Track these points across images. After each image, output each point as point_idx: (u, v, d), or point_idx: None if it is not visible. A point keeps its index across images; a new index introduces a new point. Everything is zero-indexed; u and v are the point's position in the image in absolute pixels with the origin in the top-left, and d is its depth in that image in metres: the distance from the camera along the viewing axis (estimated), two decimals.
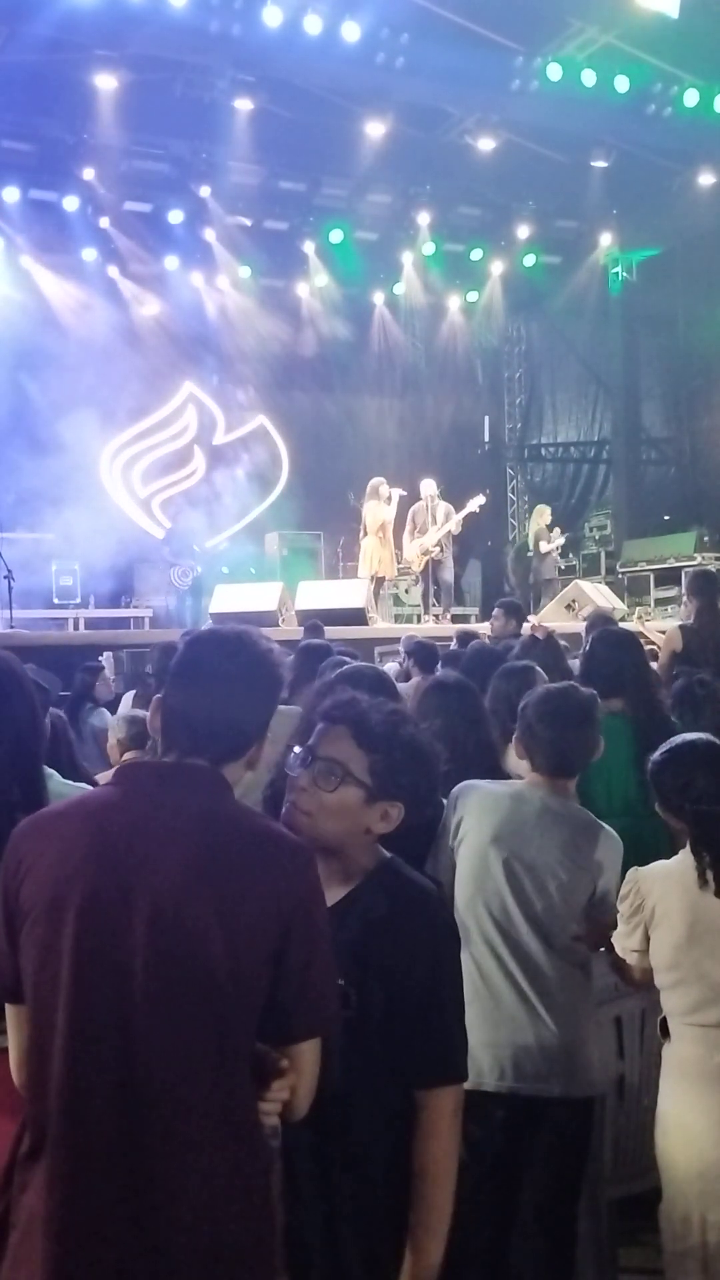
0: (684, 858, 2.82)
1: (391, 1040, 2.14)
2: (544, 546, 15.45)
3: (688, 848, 2.82)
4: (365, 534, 13.93)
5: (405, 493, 13.95)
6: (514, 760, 3.90)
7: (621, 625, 6.78)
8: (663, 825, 3.93)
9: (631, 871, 2.94)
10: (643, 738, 4.06)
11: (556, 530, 15.72)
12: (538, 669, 4.32)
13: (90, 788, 3.24)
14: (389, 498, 13.73)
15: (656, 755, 2.93)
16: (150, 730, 2.01)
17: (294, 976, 1.83)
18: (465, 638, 7.98)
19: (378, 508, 13.69)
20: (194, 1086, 1.75)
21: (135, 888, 1.77)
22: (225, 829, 1.85)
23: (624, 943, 2.90)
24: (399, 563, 14.22)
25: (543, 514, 15.85)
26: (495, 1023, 2.99)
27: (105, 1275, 1.71)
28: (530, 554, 15.95)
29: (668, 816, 2.91)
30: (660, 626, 9.28)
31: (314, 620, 9.15)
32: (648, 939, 2.84)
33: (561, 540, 15.74)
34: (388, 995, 2.14)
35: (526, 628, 7.83)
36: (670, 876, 2.81)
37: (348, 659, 5.17)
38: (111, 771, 1.98)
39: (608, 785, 4.07)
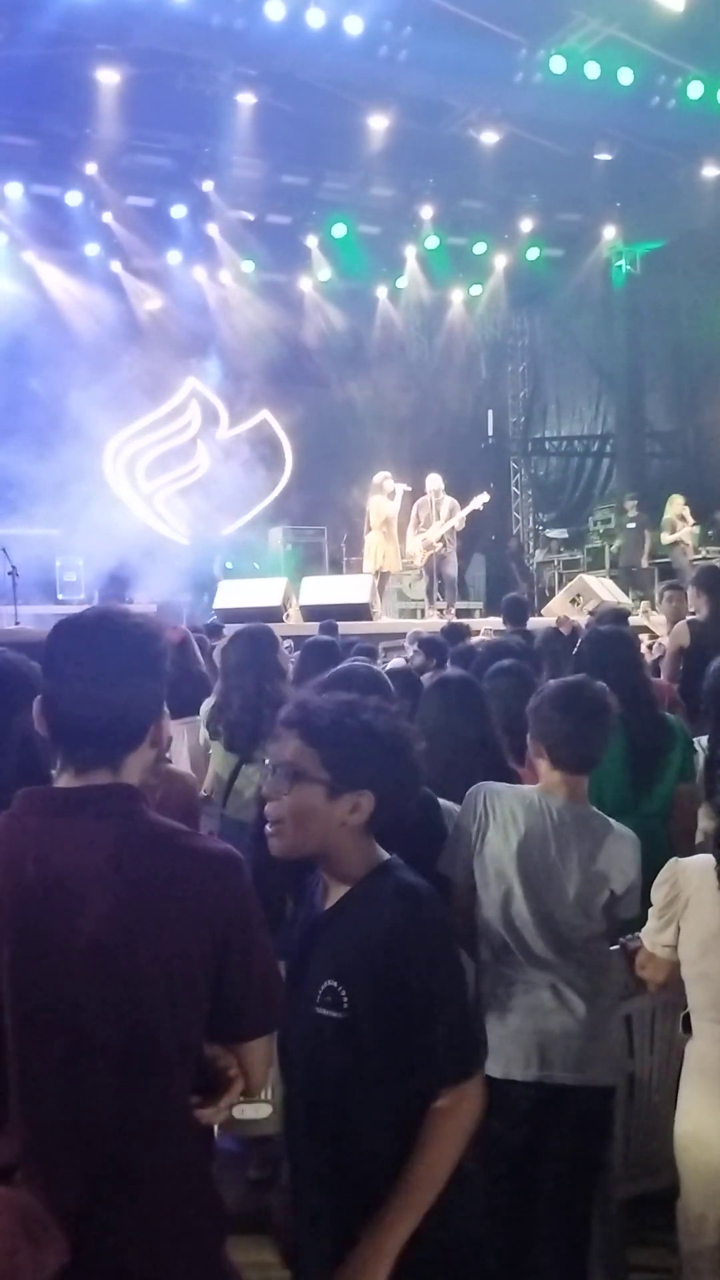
0: None
1: (393, 1043, 2.13)
2: (672, 536, 15.14)
3: None
4: (369, 529, 13.91)
5: (410, 488, 13.92)
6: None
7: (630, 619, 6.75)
8: (656, 824, 3.93)
9: (671, 862, 2.91)
10: (633, 737, 4.03)
11: (688, 518, 15.29)
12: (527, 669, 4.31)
13: None
14: (393, 493, 13.70)
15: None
16: (41, 732, 1.89)
17: (237, 981, 1.83)
18: (453, 632, 7.99)
19: (382, 502, 13.68)
20: (151, 1091, 1.78)
21: (66, 931, 1.73)
22: (145, 854, 1.79)
23: (655, 937, 2.87)
24: (403, 557, 14.20)
25: (675, 503, 15.40)
26: (519, 1014, 3.02)
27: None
28: (668, 541, 15.58)
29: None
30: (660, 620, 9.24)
31: (330, 620, 9.15)
32: (679, 933, 2.81)
33: (694, 528, 15.47)
34: (385, 999, 2.12)
35: (545, 622, 7.85)
36: (708, 870, 2.78)
37: (363, 657, 5.17)
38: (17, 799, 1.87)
39: (599, 786, 4.04)
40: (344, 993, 2.13)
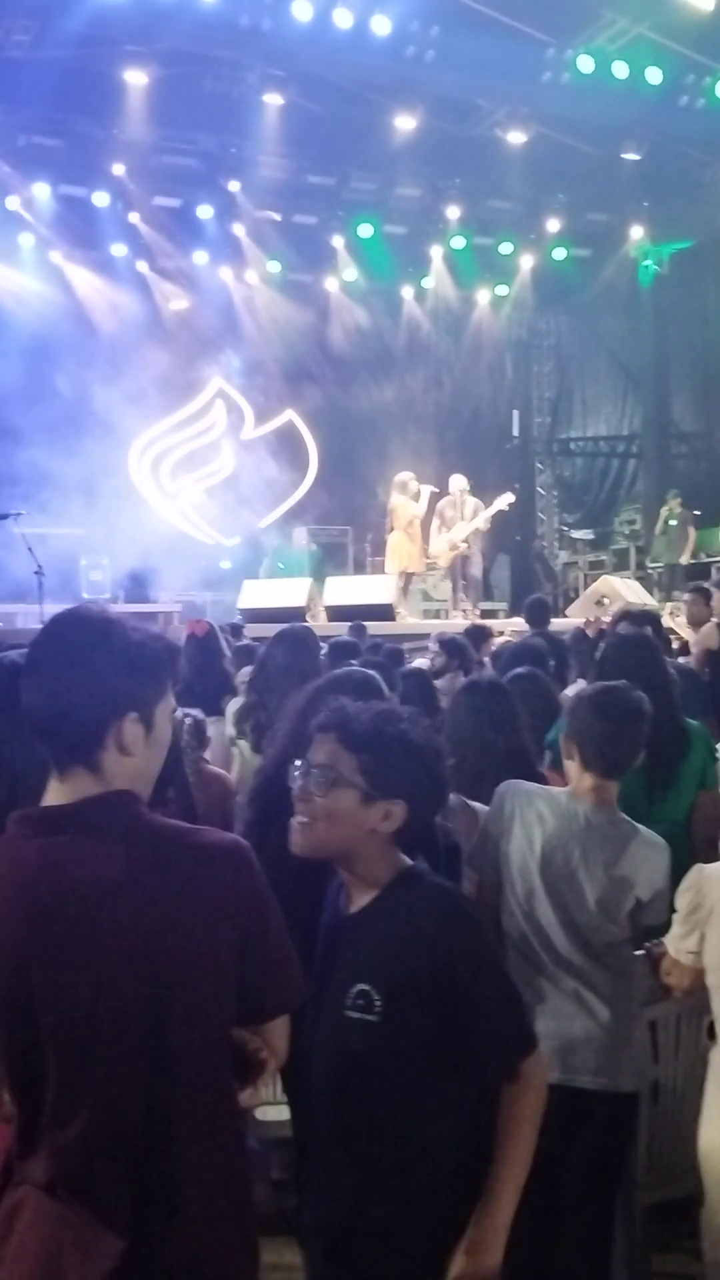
0: None
1: (437, 1045, 2.15)
2: None
3: None
4: (393, 529, 13.90)
5: (436, 489, 13.90)
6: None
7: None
8: (674, 830, 3.90)
9: (695, 868, 2.91)
10: (650, 741, 4.01)
11: None
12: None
13: None
14: (417, 494, 13.68)
15: None
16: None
17: (258, 964, 1.85)
18: (477, 633, 7.96)
19: (407, 503, 13.66)
20: (194, 1091, 1.79)
21: (90, 947, 1.73)
22: (155, 858, 1.79)
23: (679, 944, 2.86)
24: (426, 558, 14.18)
25: None
26: (544, 1017, 3.01)
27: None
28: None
29: None
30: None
31: (359, 622, 9.14)
32: (703, 940, 2.80)
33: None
34: (430, 1002, 2.13)
35: (569, 623, 7.82)
36: None
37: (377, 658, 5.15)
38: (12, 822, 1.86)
39: (620, 789, 4.02)
40: (376, 996, 2.14)
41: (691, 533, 15.60)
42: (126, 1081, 1.75)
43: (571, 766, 3.18)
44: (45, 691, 1.80)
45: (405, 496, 13.67)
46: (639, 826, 3.18)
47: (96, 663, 1.80)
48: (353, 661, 5.26)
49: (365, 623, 9.32)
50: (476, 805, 3.34)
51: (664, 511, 16.21)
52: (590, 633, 6.79)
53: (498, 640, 8.21)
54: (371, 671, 3.45)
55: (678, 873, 3.05)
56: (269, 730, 4.44)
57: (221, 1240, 1.81)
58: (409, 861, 2.28)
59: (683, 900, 2.85)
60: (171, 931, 1.76)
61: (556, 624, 9.31)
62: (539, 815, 3.10)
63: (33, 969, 1.74)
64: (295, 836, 2.24)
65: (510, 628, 10.95)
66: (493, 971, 2.22)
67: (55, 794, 1.84)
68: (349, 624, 9.05)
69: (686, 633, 7.93)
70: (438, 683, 5.93)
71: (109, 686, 1.80)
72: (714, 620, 6.99)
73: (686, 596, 8.34)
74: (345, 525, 17.05)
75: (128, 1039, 1.74)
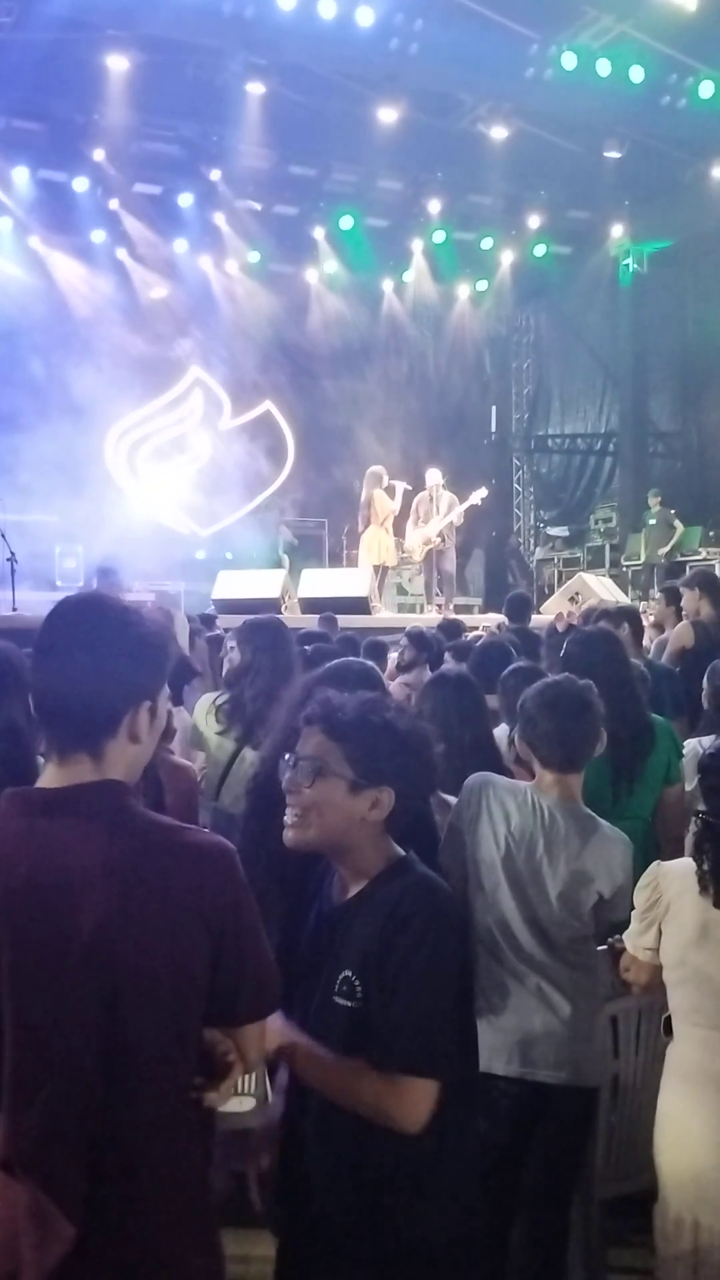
0: None
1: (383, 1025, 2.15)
2: None
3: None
4: (369, 523, 13.87)
5: (410, 487, 13.88)
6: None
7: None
8: (638, 826, 3.92)
9: (654, 865, 2.92)
10: (615, 736, 4.01)
11: None
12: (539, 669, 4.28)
13: None
14: (391, 488, 13.66)
15: (711, 751, 2.85)
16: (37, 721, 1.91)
17: (233, 969, 1.85)
18: (450, 628, 7.96)
19: (383, 497, 13.64)
20: (152, 1083, 1.79)
21: (62, 933, 1.74)
22: (137, 852, 1.80)
23: (637, 940, 2.87)
24: (401, 552, 14.17)
25: None
26: (506, 1011, 3.03)
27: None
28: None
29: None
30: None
31: (329, 614, 9.12)
32: (660, 936, 2.81)
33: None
34: (384, 986, 2.14)
35: (553, 618, 7.84)
36: (690, 874, 2.78)
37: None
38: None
39: (584, 785, 4.03)
40: (358, 983, 2.16)
41: (679, 527, 15.66)
42: (83, 1067, 1.75)
43: (534, 763, 3.20)
44: (62, 676, 1.82)
45: (381, 490, 13.66)
46: (601, 821, 3.19)
47: (117, 650, 1.82)
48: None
49: (340, 616, 9.30)
50: (447, 797, 3.34)
51: (646, 510, 16.24)
52: (561, 628, 6.80)
53: (471, 635, 8.22)
54: (370, 663, 3.45)
55: (643, 869, 3.06)
56: (248, 718, 4.42)
57: (178, 1232, 1.81)
58: (401, 852, 2.29)
59: (640, 896, 2.87)
60: (137, 927, 1.75)
61: (534, 619, 9.31)
62: (505, 809, 3.11)
63: (1, 949, 1.74)
64: (287, 831, 2.25)
65: (484, 623, 10.95)
66: (444, 974, 2.18)
67: (52, 777, 1.84)
68: (318, 618, 9.03)
69: (652, 632, 7.94)
70: (406, 677, 5.93)
71: (128, 674, 1.83)
72: (687, 619, 6.98)
73: (657, 595, 8.35)
74: (322, 518, 17.03)
75: (85, 1026, 1.74)
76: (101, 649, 1.82)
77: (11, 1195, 1.75)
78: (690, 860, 2.82)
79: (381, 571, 13.75)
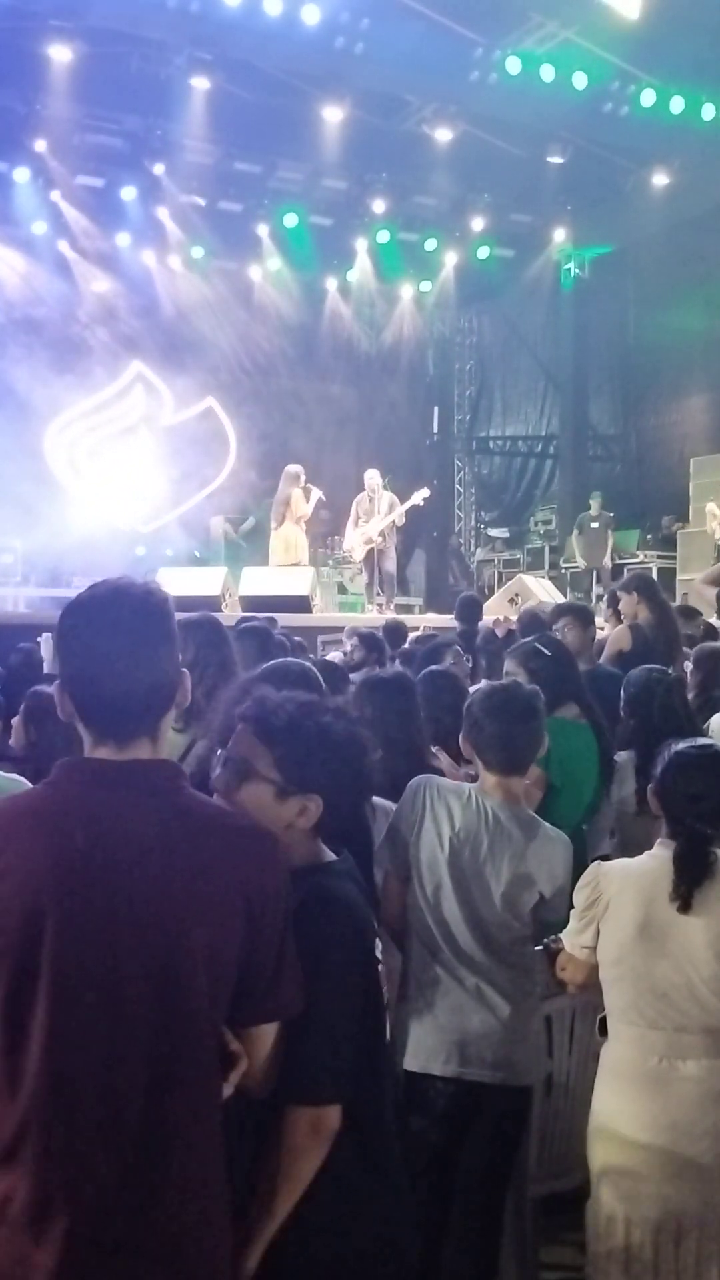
0: (649, 859, 2.83)
1: None
2: None
3: (656, 850, 2.82)
4: (284, 520, 13.71)
5: (324, 497, 13.77)
6: (445, 760, 3.92)
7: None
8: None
9: (594, 865, 2.95)
10: (602, 742, 4.10)
11: None
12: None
13: (18, 777, 3.18)
14: (308, 490, 13.54)
15: (669, 757, 2.84)
16: (63, 716, 1.88)
17: (258, 964, 1.85)
18: (394, 631, 7.99)
19: (297, 496, 13.51)
20: (181, 1073, 1.78)
21: (112, 905, 1.74)
22: (189, 832, 1.82)
23: (575, 939, 2.90)
24: (339, 549, 14.08)
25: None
26: (441, 1010, 3.04)
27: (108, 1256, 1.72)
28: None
29: (669, 821, 2.82)
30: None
31: (268, 615, 9.07)
32: (599, 935, 2.84)
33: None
34: None
35: (490, 621, 7.89)
36: (630, 874, 2.81)
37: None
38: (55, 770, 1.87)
39: (578, 786, 4.08)
40: None
41: (612, 534, 15.77)
42: (129, 1039, 1.74)
43: (478, 765, 3.22)
44: (126, 664, 1.83)
45: (299, 490, 13.56)
46: (543, 823, 3.22)
47: (165, 635, 1.89)
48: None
49: (280, 614, 9.26)
50: (383, 802, 3.34)
51: (586, 513, 16.23)
52: (499, 632, 6.85)
53: (412, 635, 8.25)
54: (308, 664, 3.44)
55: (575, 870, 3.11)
56: (195, 716, 4.38)
57: (204, 1217, 1.80)
58: (328, 856, 2.24)
59: (580, 896, 2.90)
60: (190, 903, 1.77)
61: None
62: (449, 810, 3.13)
63: (47, 915, 1.73)
64: None
65: (425, 623, 11.00)
66: (333, 993, 2.05)
67: (106, 756, 1.86)
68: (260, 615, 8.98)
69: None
70: (354, 676, 5.94)
71: (175, 655, 1.91)
72: (625, 623, 7.00)
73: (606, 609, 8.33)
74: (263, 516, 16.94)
75: (131, 1001, 1.74)
76: (150, 635, 1.87)
77: (6, 1187, 1.72)
78: (630, 860, 2.87)
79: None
